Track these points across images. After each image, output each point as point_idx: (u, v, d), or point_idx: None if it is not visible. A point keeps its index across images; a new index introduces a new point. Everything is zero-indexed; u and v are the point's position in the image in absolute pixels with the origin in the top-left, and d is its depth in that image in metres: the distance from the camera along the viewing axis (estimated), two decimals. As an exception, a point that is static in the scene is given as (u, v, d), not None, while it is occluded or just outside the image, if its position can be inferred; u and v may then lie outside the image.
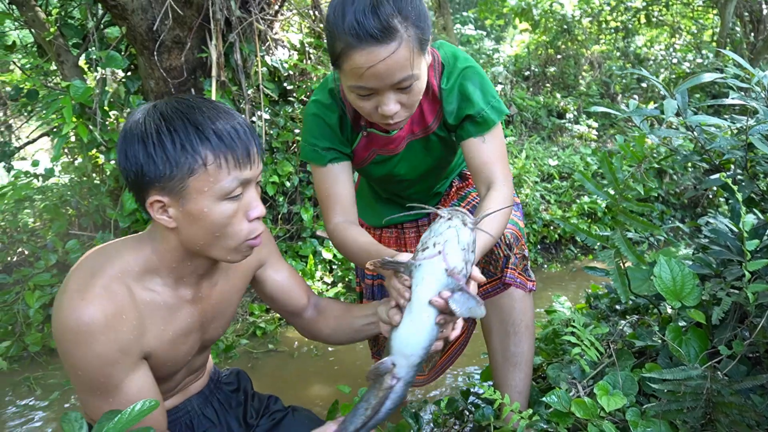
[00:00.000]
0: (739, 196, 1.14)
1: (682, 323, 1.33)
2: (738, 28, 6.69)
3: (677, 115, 1.53)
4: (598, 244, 1.41)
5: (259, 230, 0.99)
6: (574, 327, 1.42)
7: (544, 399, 1.15)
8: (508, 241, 1.37)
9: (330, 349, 2.56)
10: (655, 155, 3.54)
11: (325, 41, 1.12)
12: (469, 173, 1.54)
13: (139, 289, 0.98)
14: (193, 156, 0.89)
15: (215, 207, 0.92)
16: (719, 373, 0.91)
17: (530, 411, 1.21)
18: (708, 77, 1.58)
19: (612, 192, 1.35)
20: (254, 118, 3.12)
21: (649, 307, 1.68)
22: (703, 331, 1.23)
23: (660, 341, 1.36)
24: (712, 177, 1.38)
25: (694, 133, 1.53)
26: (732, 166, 1.48)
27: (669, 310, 1.45)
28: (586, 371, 1.35)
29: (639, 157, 1.24)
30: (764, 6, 6.31)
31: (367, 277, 1.64)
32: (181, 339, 1.05)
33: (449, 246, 0.88)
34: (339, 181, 1.30)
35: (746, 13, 6.61)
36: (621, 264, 1.35)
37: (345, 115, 1.30)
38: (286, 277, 1.26)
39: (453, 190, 1.57)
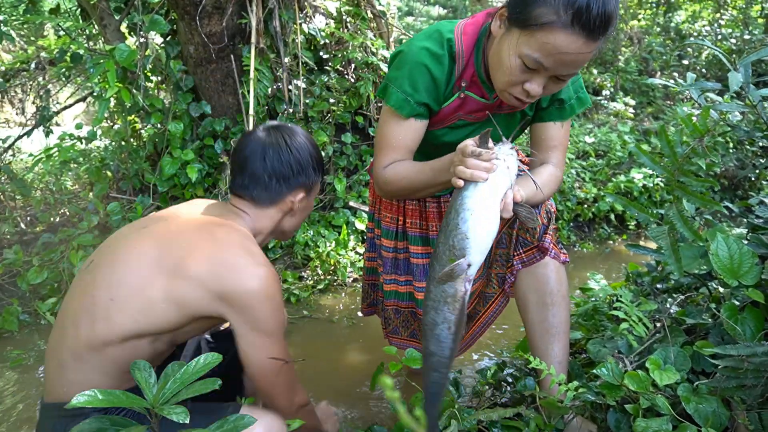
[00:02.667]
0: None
1: (735, 302, 1.31)
2: (788, 4, 6.37)
3: (740, 90, 1.47)
4: (651, 220, 1.39)
5: None
6: (621, 302, 1.41)
7: (595, 371, 1.15)
8: (548, 211, 1.41)
9: (364, 318, 2.59)
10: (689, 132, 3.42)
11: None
12: None
13: None
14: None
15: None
16: (786, 350, 0.90)
17: (576, 383, 1.21)
18: (774, 50, 1.51)
19: (668, 167, 1.32)
20: (290, 87, 3.11)
21: (695, 286, 1.66)
22: (759, 311, 1.21)
23: (711, 319, 1.35)
24: (777, 154, 1.34)
25: (756, 108, 1.48)
26: (795, 144, 1.44)
27: (721, 290, 1.42)
28: (633, 346, 1.35)
29: (701, 131, 1.20)
30: (819, -20, 5.99)
31: (384, 249, 1.61)
32: None
33: (511, 161, 1.00)
34: (412, 137, 1.28)
35: (798, -12, 6.29)
36: (674, 240, 1.33)
37: (453, 70, 1.24)
38: None
39: None
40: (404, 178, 1.25)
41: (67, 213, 3.13)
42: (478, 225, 0.96)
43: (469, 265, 0.96)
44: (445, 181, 1.13)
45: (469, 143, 1.01)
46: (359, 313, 2.65)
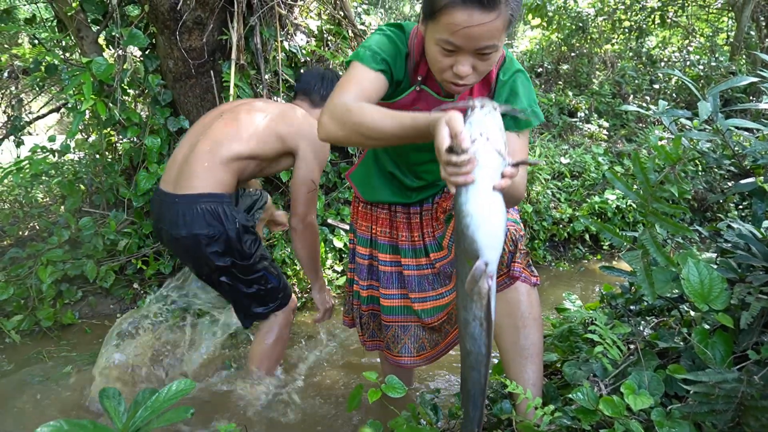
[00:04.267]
0: (775, 202, 1.14)
1: (705, 326, 1.34)
2: (753, 32, 6.65)
3: (708, 119, 1.52)
4: (625, 244, 1.41)
5: None
6: (596, 325, 1.43)
7: (571, 395, 1.15)
8: (513, 238, 1.42)
9: (342, 335, 2.57)
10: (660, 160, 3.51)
11: None
12: None
13: None
14: None
15: None
16: (755, 377, 0.92)
17: (552, 406, 1.22)
18: (740, 81, 1.57)
19: (641, 193, 1.35)
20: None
21: (668, 308, 1.69)
22: (728, 335, 1.24)
23: (683, 343, 1.37)
24: (744, 181, 1.38)
25: (724, 136, 1.53)
26: (762, 171, 1.48)
27: (692, 313, 1.45)
28: (608, 370, 1.36)
29: (673, 159, 1.24)
30: (781, 12, 6.27)
31: (359, 255, 1.68)
32: None
33: (491, 131, 0.96)
34: (376, 90, 1.28)
35: (762, 18, 6.58)
36: (647, 264, 1.35)
37: (408, 59, 1.33)
38: None
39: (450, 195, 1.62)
40: (368, 115, 1.16)
41: (37, 227, 3.05)
42: (482, 226, 0.95)
43: (486, 264, 0.96)
44: (409, 139, 1.13)
45: (445, 146, 0.95)
46: (337, 331, 2.63)
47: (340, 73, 2.56)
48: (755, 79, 1.41)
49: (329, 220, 3.29)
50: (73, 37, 2.90)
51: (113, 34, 2.69)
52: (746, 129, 1.51)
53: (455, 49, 1.15)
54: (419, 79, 1.36)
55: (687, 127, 1.64)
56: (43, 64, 2.74)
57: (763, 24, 6.48)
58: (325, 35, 3.37)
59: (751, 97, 5.58)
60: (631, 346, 1.49)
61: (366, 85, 1.27)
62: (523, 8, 7.03)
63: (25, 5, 4.00)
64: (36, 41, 3.03)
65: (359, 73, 1.29)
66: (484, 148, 0.95)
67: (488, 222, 0.95)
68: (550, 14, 6.56)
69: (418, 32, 1.33)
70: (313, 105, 2.11)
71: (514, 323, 1.43)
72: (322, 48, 3.32)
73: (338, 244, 3.18)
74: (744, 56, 6.40)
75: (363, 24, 3.80)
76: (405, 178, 1.57)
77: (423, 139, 1.09)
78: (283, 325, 2.06)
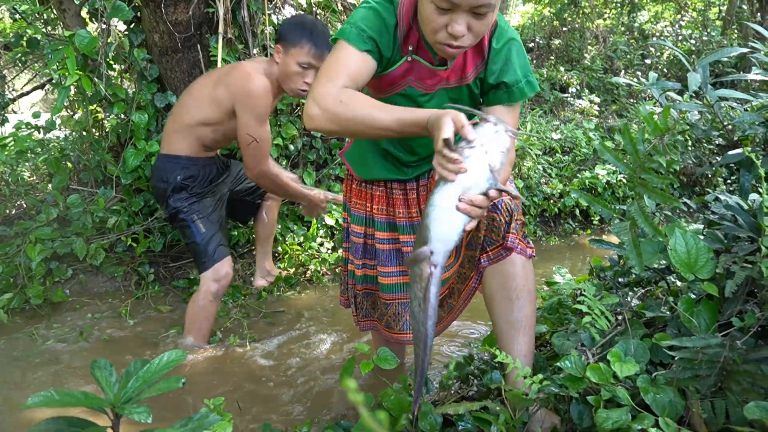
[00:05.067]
0: (762, 171, 1.15)
1: (691, 296, 1.36)
2: (745, 6, 6.62)
3: (698, 90, 1.52)
4: (614, 216, 1.42)
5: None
6: (585, 297, 1.45)
7: (558, 364, 1.17)
8: (509, 208, 1.40)
9: (335, 312, 2.59)
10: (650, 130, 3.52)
11: None
12: None
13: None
14: None
15: None
16: (738, 342, 0.94)
17: (541, 375, 1.24)
18: (731, 51, 1.57)
19: (631, 165, 1.36)
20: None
21: (655, 280, 1.71)
22: (713, 304, 1.26)
23: (669, 312, 1.39)
24: (732, 152, 1.39)
25: (713, 107, 1.53)
26: (749, 143, 1.49)
27: (679, 284, 1.47)
28: (596, 339, 1.38)
29: (662, 130, 1.24)
30: (774, -15, 6.22)
31: (354, 234, 1.68)
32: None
33: (493, 147, 1.01)
34: (363, 73, 1.25)
35: (754, -8, 6.53)
36: (635, 236, 1.36)
37: (397, 28, 1.29)
38: None
39: None
40: (363, 109, 1.14)
41: (24, 205, 3.01)
42: (439, 219, 1.02)
43: (431, 252, 1.03)
44: (406, 134, 1.13)
45: (445, 136, 0.98)
46: (331, 305, 2.64)
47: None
48: (745, 50, 1.41)
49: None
50: (54, 10, 2.83)
51: (96, 6, 2.63)
52: (735, 100, 1.51)
53: (451, 7, 1.13)
54: (410, 49, 1.33)
55: (677, 100, 1.64)
56: (25, 38, 2.67)
57: (756, -2, 6.43)
58: (314, 8, 3.31)
59: (741, 72, 5.59)
60: (619, 317, 1.52)
61: (353, 68, 1.23)
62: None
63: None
64: (17, 15, 2.95)
65: (346, 55, 1.24)
66: (478, 158, 1.00)
67: (447, 220, 1.02)
68: (543, -12, 6.48)
69: (407, 0, 1.30)
70: (285, 53, 2.16)
71: (508, 295, 1.43)
72: (310, 21, 3.26)
73: (329, 221, 3.17)
74: (736, 30, 6.38)
75: (352, -3, 3.73)
76: (400, 153, 1.55)
77: (421, 133, 1.09)
78: (204, 291, 2.18)
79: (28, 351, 2.21)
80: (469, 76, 1.37)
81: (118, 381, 0.85)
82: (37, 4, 2.85)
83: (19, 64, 3.68)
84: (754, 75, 1.40)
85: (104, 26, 2.64)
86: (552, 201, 3.82)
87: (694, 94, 1.45)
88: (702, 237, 1.42)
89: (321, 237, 3.15)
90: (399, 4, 1.30)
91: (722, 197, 1.64)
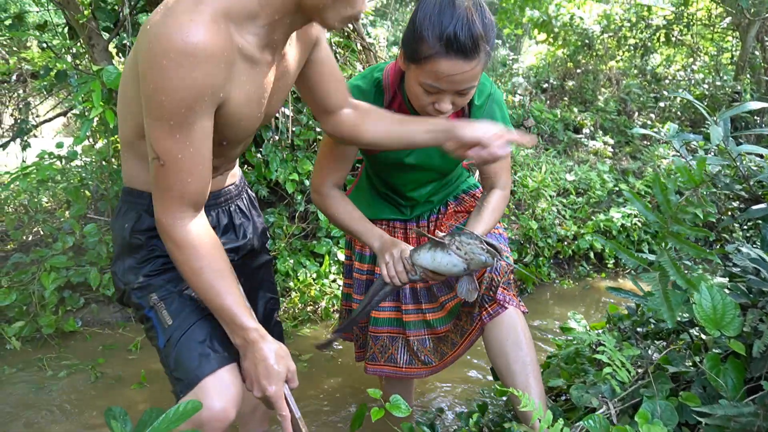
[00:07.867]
0: (790, 229, 1.13)
1: (716, 351, 1.33)
2: (757, 53, 6.68)
3: (720, 145, 1.52)
4: (640, 264, 1.40)
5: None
6: (604, 347, 1.41)
7: (582, 422, 1.14)
8: (496, 270, 1.50)
9: (344, 350, 2.56)
10: (683, 182, 3.49)
11: (407, 37, 1.25)
12: (465, 197, 1.70)
13: (236, 33, 0.95)
14: None
15: None
16: (772, 409, 0.90)
17: (561, 422, 1.20)
18: (750, 106, 1.57)
19: (661, 215, 1.34)
20: (277, 114, 3.11)
21: (675, 332, 1.67)
22: (740, 363, 1.22)
23: (693, 368, 1.35)
24: (756, 207, 1.37)
25: (735, 161, 1.52)
26: (773, 197, 1.47)
27: (703, 337, 1.44)
28: (617, 391, 1.34)
29: (696, 182, 1.24)
30: (786, 33, 6.29)
31: (357, 271, 1.71)
32: (254, 99, 1.06)
33: (474, 262, 1.27)
34: (351, 155, 1.49)
35: (766, 38, 6.60)
36: (667, 287, 1.34)
37: (381, 101, 1.43)
38: (332, 62, 1.27)
39: (449, 210, 1.68)
40: (342, 215, 1.49)
41: (41, 232, 3.04)
42: (369, 302, 1.47)
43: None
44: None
45: (392, 257, 1.39)
46: (340, 346, 2.61)
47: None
48: (765, 105, 1.41)
49: (333, 232, 3.29)
50: (83, 45, 2.92)
51: (124, 42, 2.71)
52: (756, 154, 1.50)
53: (438, 91, 1.25)
54: (394, 108, 1.43)
55: (698, 152, 1.63)
56: (53, 71, 2.74)
57: (768, 45, 6.50)
58: (334, 48, 3.39)
59: (756, 117, 5.60)
60: (640, 370, 1.48)
61: (341, 158, 1.47)
62: (529, 24, 7.08)
63: (36, 11, 4.03)
64: (45, 45, 3.05)
65: (334, 147, 1.46)
66: (456, 261, 1.27)
67: (373, 303, 1.48)
68: (556, 30, 6.59)
69: (392, 69, 1.41)
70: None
71: (516, 340, 1.49)
72: (330, 60, 3.33)
73: (342, 256, 3.17)
74: (748, 76, 6.42)
75: (369, 36, 3.82)
76: (396, 197, 1.64)
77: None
78: None
79: (39, 383, 2.18)
80: None
81: (132, 431, 0.84)
82: (68, 39, 2.94)
83: (44, 92, 3.78)
84: (778, 130, 1.40)
85: (131, 61, 2.70)
86: (566, 243, 3.79)
87: (716, 147, 1.45)
88: (727, 291, 1.39)
89: (333, 273, 3.14)
90: (384, 75, 1.42)
91: (744, 249, 1.62)
